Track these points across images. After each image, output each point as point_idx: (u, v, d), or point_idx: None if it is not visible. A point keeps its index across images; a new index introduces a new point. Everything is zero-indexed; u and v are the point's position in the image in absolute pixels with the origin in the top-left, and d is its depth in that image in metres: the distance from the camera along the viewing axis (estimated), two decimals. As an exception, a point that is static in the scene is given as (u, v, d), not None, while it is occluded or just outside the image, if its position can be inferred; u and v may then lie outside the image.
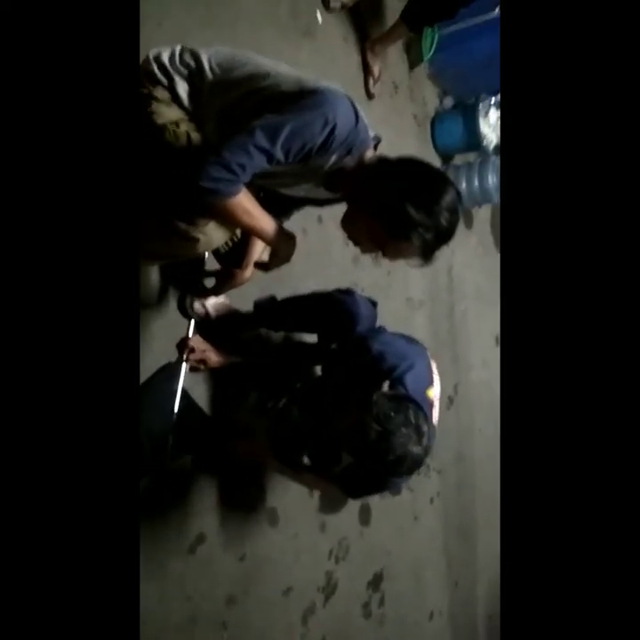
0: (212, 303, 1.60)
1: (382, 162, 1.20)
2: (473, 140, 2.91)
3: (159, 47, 1.20)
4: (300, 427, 1.64)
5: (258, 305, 1.66)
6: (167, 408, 1.51)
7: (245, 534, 1.76)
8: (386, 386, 1.33)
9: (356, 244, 1.26)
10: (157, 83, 1.16)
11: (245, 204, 1.09)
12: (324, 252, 2.18)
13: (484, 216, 3.58)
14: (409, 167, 1.17)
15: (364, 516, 2.30)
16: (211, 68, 1.14)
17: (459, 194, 1.17)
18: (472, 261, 3.37)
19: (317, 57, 2.22)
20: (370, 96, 2.54)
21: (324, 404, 1.54)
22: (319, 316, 1.51)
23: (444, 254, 3.31)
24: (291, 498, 1.92)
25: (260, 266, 1.32)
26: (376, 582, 2.32)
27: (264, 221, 1.15)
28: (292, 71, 1.15)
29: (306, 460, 1.67)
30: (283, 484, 1.87)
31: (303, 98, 1.06)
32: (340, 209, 1.39)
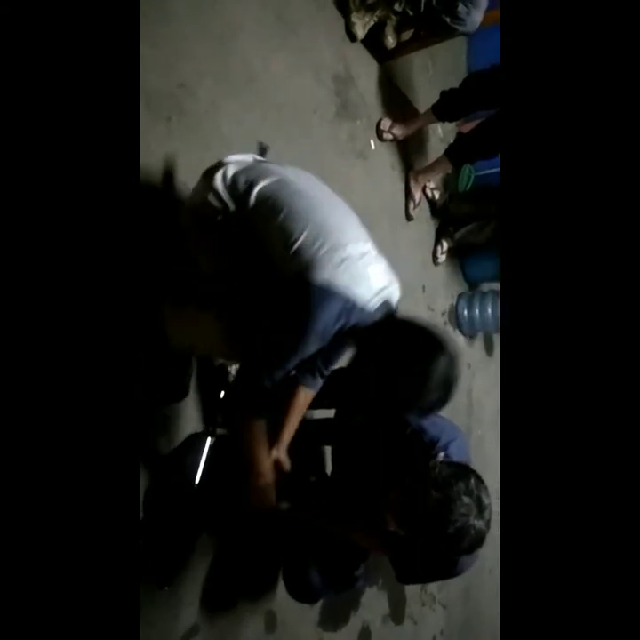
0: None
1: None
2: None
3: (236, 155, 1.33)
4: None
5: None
6: (190, 480, 1.47)
7: (240, 635, 1.62)
8: (442, 455, 1.28)
9: None
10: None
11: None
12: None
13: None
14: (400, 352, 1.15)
15: (364, 642, 2.12)
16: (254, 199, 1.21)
17: (452, 361, 1.14)
18: (491, 388, 3.38)
19: (367, 178, 2.43)
20: (409, 218, 2.72)
21: (353, 488, 1.50)
22: (348, 389, 1.52)
23: (464, 376, 3.32)
24: (292, 605, 1.78)
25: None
26: None
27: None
28: (323, 223, 1.17)
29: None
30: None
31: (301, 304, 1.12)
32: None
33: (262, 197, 1.20)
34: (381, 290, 1.19)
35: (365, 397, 1.35)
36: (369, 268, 1.17)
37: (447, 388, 1.12)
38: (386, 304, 1.21)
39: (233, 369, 1.61)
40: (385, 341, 1.15)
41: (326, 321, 1.11)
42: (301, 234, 1.14)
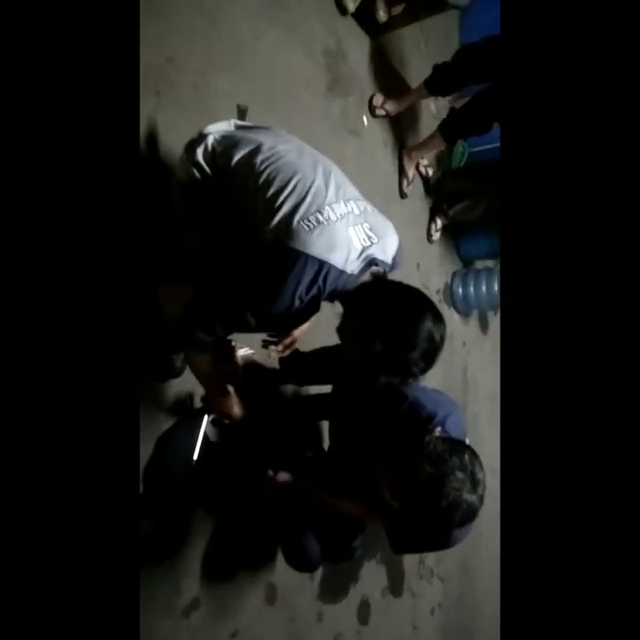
0: (241, 355, 1.62)
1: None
2: (495, 248, 3.05)
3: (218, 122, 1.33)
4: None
5: (283, 358, 1.67)
6: (187, 456, 1.48)
7: (241, 607, 1.64)
8: (438, 430, 1.28)
9: None
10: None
11: None
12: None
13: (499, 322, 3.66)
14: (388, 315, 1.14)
15: (363, 614, 2.15)
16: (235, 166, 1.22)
17: (437, 320, 1.14)
18: (486, 366, 3.40)
19: (360, 155, 2.41)
20: (403, 196, 2.71)
21: (351, 462, 1.51)
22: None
23: (459, 353, 3.33)
24: (291, 577, 1.81)
25: None
26: (368, 693, 2.11)
27: None
28: (300, 186, 1.16)
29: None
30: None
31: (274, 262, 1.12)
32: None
33: (240, 165, 1.21)
34: (364, 249, 1.17)
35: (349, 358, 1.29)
36: (350, 229, 1.15)
37: (432, 345, 1.10)
38: (373, 262, 1.19)
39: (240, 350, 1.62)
40: (372, 300, 1.14)
41: (298, 286, 1.10)
42: (277, 198, 1.13)
